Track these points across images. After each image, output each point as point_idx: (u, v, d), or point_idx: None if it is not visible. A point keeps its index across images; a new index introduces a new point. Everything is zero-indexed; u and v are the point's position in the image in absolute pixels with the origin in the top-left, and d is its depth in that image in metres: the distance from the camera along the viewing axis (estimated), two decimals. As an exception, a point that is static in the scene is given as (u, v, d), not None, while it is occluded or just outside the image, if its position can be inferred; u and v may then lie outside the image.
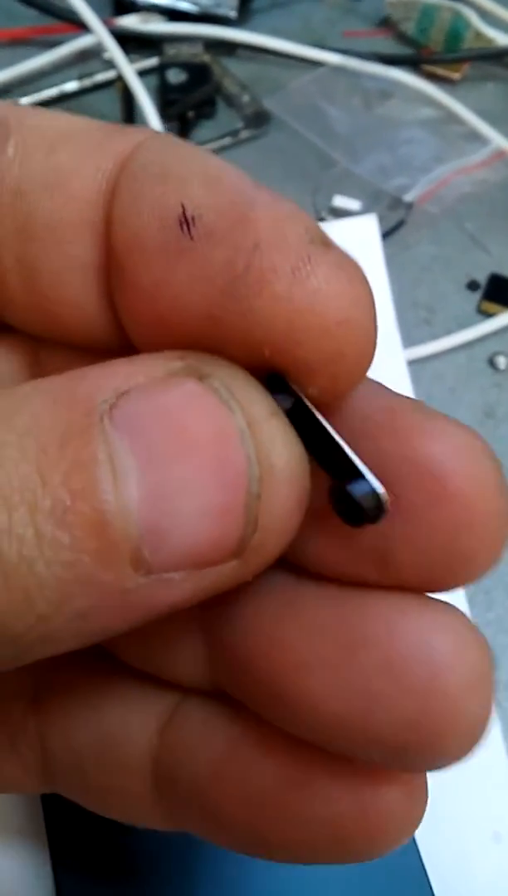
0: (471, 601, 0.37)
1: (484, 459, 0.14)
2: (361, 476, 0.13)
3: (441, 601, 0.15)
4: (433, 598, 0.15)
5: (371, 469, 0.14)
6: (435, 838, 0.32)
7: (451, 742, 0.15)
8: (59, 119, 0.16)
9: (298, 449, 0.14)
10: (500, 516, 0.14)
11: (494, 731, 0.34)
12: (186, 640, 0.17)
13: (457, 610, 0.15)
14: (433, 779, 0.33)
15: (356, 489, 0.13)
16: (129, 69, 0.53)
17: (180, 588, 0.13)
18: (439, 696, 0.14)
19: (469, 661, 0.14)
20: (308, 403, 0.14)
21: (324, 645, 0.14)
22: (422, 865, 0.30)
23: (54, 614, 0.12)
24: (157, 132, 0.16)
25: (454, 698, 0.14)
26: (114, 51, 0.53)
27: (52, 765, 0.19)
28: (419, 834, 0.31)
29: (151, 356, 0.14)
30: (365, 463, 0.14)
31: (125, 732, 0.18)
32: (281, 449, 0.13)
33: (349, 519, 0.14)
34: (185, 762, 0.17)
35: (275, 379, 0.14)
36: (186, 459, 0.12)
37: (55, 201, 0.15)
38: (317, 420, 0.14)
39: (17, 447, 0.12)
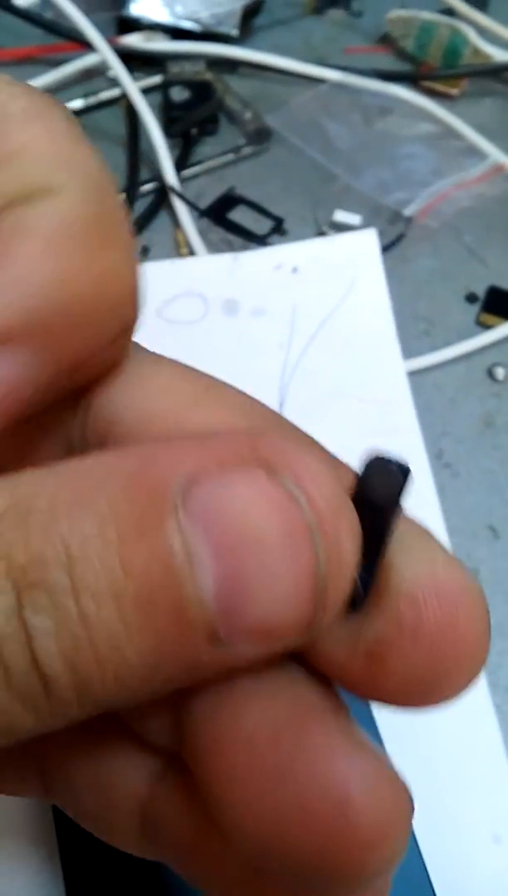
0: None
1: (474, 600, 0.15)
2: None
3: (372, 747, 0.15)
4: (365, 743, 0.15)
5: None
6: (436, 840, 0.33)
7: (355, 879, 0.15)
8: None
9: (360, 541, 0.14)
10: (482, 647, 0.15)
11: (494, 734, 0.35)
12: (159, 708, 0.17)
13: (383, 757, 0.15)
14: (436, 782, 0.34)
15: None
16: (132, 87, 0.54)
17: (247, 654, 0.14)
18: (346, 838, 0.14)
19: (382, 809, 0.14)
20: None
21: (257, 761, 0.15)
22: (424, 867, 0.31)
23: (138, 686, 0.13)
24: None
25: (361, 842, 0.14)
26: (118, 69, 0.54)
27: (52, 788, 0.19)
28: (420, 836, 0.32)
29: (220, 439, 0.14)
30: None
31: (119, 781, 0.18)
32: (347, 545, 0.14)
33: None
34: (169, 820, 0.17)
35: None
36: (257, 554, 0.13)
37: None
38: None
39: (99, 539, 0.13)
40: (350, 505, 0.14)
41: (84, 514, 0.13)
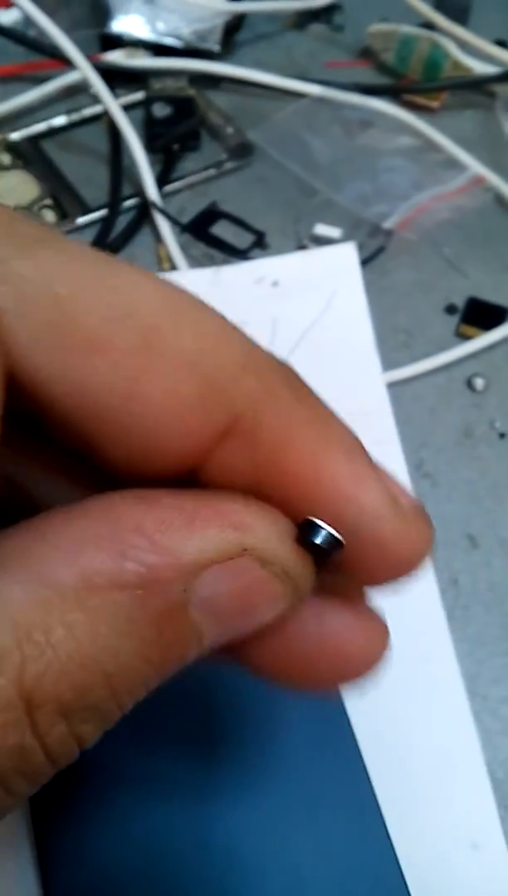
0: (450, 616, 0.38)
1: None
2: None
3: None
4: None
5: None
6: (415, 847, 0.33)
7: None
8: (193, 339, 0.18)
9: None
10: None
11: (472, 741, 0.35)
12: None
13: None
14: (414, 790, 0.34)
15: (320, 537, 0.18)
16: (114, 104, 0.54)
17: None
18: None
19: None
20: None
21: None
22: (401, 873, 0.31)
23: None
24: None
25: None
26: (98, 86, 0.55)
27: None
28: (398, 842, 0.32)
29: (204, 529, 0.17)
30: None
31: None
32: (306, 585, 0.18)
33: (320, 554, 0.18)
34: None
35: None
36: (251, 625, 0.18)
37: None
38: None
39: (129, 651, 0.16)
40: (310, 565, 0.18)
41: (113, 634, 0.16)
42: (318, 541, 0.18)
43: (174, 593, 0.16)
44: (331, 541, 0.18)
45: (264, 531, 0.17)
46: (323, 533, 0.18)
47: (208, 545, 0.16)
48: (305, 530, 0.18)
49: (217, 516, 0.17)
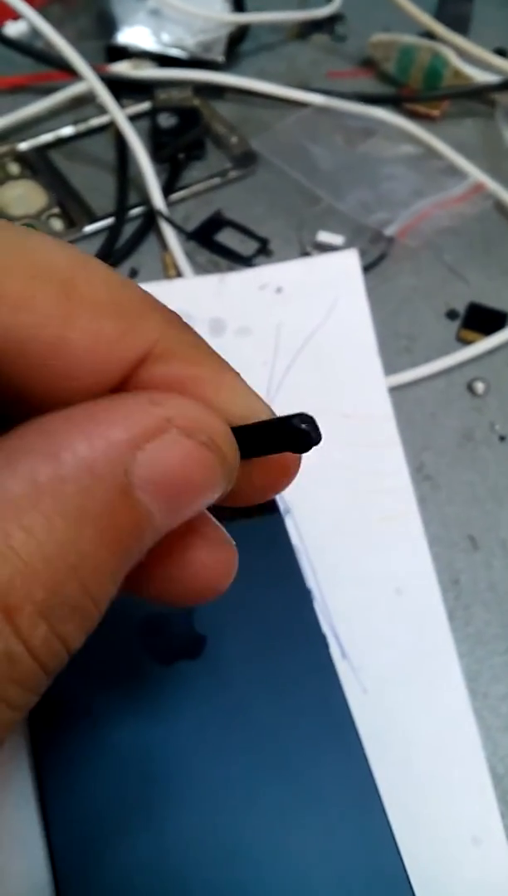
0: (451, 616, 0.39)
1: None
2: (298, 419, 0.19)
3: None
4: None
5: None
6: (416, 842, 0.34)
7: None
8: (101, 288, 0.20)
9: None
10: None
11: (473, 738, 0.36)
12: None
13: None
14: (416, 785, 0.35)
15: (303, 424, 0.19)
16: (120, 114, 0.55)
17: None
18: None
19: None
20: None
21: None
22: (403, 866, 0.32)
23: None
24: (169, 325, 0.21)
25: None
26: (105, 97, 0.56)
27: None
28: (400, 837, 0.33)
29: (129, 412, 0.18)
30: None
31: None
32: (233, 459, 0.20)
33: (301, 447, 0.19)
34: None
35: None
36: (195, 502, 0.19)
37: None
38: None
39: (88, 540, 0.17)
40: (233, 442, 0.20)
41: (71, 527, 0.17)
42: (304, 426, 0.19)
43: (116, 477, 0.17)
44: (316, 430, 0.19)
45: (184, 404, 0.19)
46: (311, 420, 0.19)
47: (134, 425, 0.18)
48: (293, 417, 0.19)
49: (138, 399, 0.19)
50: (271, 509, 0.40)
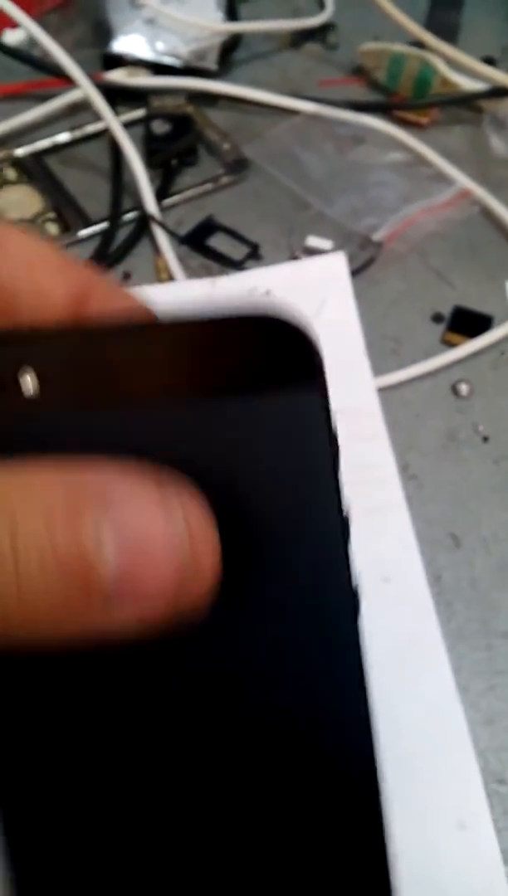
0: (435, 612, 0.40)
1: None
2: None
3: None
4: None
5: None
6: (402, 826, 0.35)
7: None
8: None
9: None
10: None
11: (460, 723, 0.37)
12: None
13: None
14: (401, 771, 0.36)
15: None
16: (114, 121, 0.56)
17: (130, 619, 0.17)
18: None
19: None
20: None
21: None
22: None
23: (47, 630, 0.17)
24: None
25: None
26: (100, 104, 0.57)
27: None
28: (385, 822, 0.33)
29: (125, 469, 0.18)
30: None
31: None
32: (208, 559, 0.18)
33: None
34: None
35: None
36: (149, 552, 0.17)
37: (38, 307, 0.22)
38: None
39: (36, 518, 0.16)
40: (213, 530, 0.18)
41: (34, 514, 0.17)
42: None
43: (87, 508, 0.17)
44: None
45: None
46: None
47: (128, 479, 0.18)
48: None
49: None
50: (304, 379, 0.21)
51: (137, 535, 0.17)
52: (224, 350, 0.20)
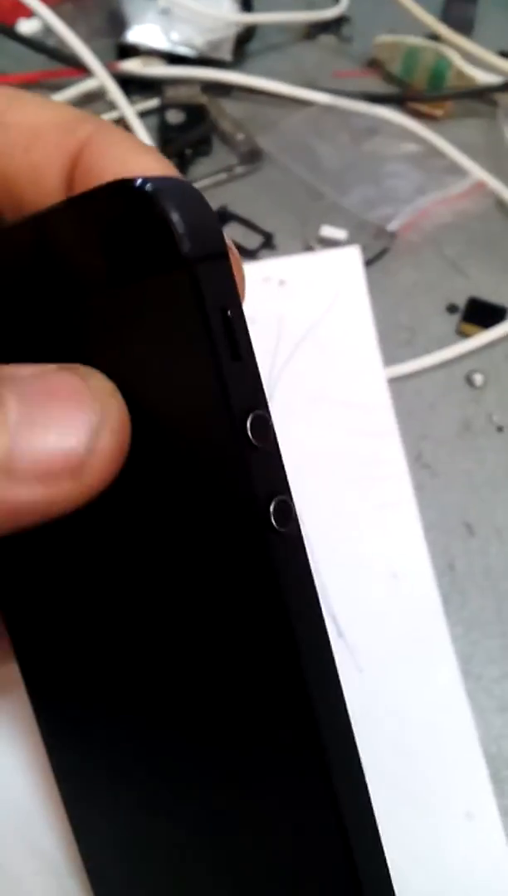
0: (447, 600, 0.40)
1: None
2: None
3: None
4: None
5: None
6: (408, 817, 0.35)
7: None
8: (35, 112, 0.22)
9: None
10: None
11: (465, 712, 0.37)
12: None
13: None
14: (409, 762, 0.36)
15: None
16: (129, 110, 0.56)
17: (34, 493, 0.18)
18: None
19: None
20: None
21: None
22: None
23: None
24: (103, 124, 0.22)
25: None
26: (115, 93, 0.57)
27: None
28: (392, 814, 0.33)
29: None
30: None
31: None
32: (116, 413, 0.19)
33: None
34: None
35: None
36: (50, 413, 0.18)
37: (35, 191, 0.22)
38: None
39: None
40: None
41: None
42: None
43: None
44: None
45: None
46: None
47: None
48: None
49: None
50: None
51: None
52: (80, 236, 0.19)
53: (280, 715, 0.20)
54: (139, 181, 0.17)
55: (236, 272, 0.18)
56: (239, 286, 0.19)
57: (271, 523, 0.19)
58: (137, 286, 0.18)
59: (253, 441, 0.18)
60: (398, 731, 0.37)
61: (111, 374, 0.19)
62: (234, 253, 0.20)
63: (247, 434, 0.18)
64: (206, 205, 0.18)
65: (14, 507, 0.17)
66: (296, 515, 0.19)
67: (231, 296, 0.18)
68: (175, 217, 0.17)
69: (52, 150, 0.21)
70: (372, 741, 0.35)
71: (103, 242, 0.18)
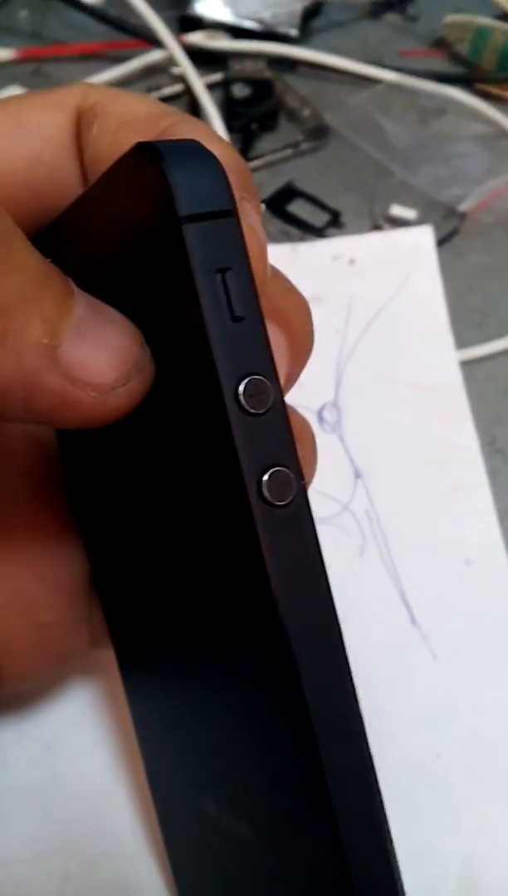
0: (521, 588, 0.39)
1: None
2: None
3: None
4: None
5: None
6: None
7: None
8: (130, 105, 0.24)
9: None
10: None
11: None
12: None
13: None
14: (486, 748, 0.35)
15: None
16: (198, 83, 0.55)
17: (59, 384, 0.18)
18: None
19: None
20: None
21: None
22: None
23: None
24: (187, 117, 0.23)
25: None
26: (185, 65, 0.56)
27: None
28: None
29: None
30: None
31: None
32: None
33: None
34: None
35: None
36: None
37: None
38: None
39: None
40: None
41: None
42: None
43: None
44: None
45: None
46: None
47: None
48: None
49: None
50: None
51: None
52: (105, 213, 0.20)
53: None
54: (151, 143, 0.17)
55: (248, 232, 0.18)
56: (255, 245, 0.19)
57: (263, 495, 0.18)
58: (149, 243, 0.18)
59: (246, 406, 0.18)
60: (474, 718, 0.36)
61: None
62: (251, 214, 0.20)
63: (238, 398, 0.17)
64: (212, 163, 0.18)
65: (43, 384, 0.18)
66: (303, 492, 0.18)
67: (234, 255, 0.18)
68: (171, 174, 0.17)
69: (136, 136, 0.22)
70: (450, 729, 0.35)
71: (124, 201, 0.19)
